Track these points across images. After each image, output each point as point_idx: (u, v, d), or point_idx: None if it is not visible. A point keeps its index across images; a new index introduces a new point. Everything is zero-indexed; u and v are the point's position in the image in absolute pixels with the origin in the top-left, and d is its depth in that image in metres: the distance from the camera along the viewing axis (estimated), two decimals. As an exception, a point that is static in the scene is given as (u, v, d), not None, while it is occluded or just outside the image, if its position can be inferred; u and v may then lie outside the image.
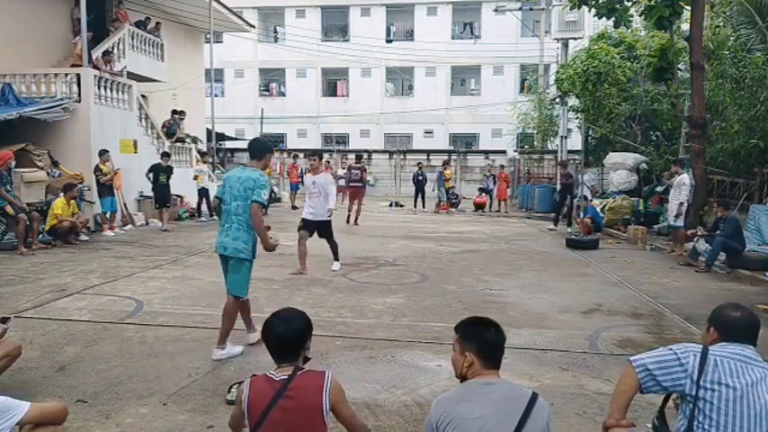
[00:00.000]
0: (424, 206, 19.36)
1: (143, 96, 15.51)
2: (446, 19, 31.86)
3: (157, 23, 16.66)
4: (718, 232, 9.04)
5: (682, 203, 10.27)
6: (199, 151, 17.89)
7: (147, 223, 13.11)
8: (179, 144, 16.55)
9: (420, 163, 21.09)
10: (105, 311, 5.89)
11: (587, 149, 19.64)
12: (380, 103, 32.21)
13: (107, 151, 11.78)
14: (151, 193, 12.97)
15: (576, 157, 20.36)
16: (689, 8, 11.76)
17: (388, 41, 32.09)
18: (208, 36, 20.22)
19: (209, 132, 20.83)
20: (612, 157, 16.27)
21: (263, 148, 4.94)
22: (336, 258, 8.39)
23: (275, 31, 33.38)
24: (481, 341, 2.25)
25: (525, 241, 12.16)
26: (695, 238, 9.60)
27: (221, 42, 28.49)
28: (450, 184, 20.27)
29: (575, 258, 9.99)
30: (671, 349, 2.35)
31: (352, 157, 26.72)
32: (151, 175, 12.52)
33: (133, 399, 3.78)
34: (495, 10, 24.87)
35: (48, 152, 11.64)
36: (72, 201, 10.36)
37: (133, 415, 3.55)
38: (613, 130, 17.23)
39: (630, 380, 2.36)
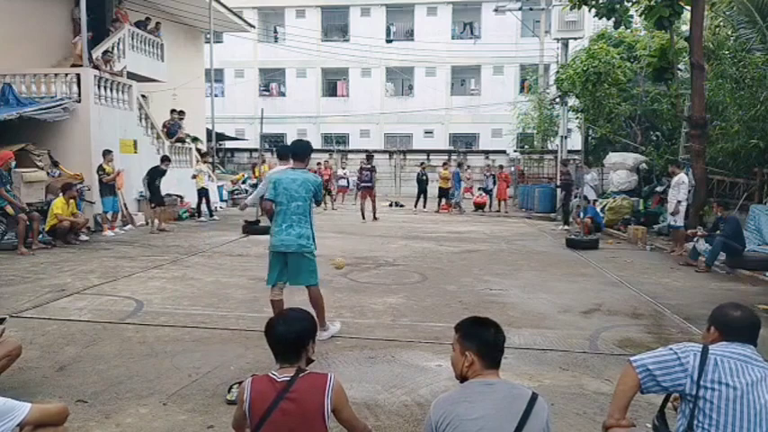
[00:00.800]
0: (425, 206, 19.36)
1: (143, 96, 15.51)
2: (446, 19, 31.87)
3: (157, 23, 16.67)
4: (718, 232, 9.04)
5: (680, 202, 10.28)
6: (198, 151, 17.91)
7: (148, 223, 13.11)
8: (179, 144, 16.56)
9: (423, 163, 21.10)
10: (105, 311, 5.89)
11: (587, 149, 19.64)
12: (380, 103, 32.21)
13: (111, 151, 11.83)
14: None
15: (576, 157, 20.38)
16: (689, 8, 11.77)
17: (388, 41, 32.09)
18: (208, 36, 20.23)
19: (209, 132, 20.83)
20: (612, 157, 16.27)
21: (308, 149, 5.19)
22: None
23: (275, 31, 33.38)
24: (481, 341, 2.24)
25: (525, 241, 12.16)
26: (695, 238, 9.60)
27: (221, 42, 28.49)
28: (450, 185, 20.26)
29: (575, 258, 9.99)
30: (671, 349, 2.35)
31: (352, 157, 26.81)
32: (148, 177, 12.46)
33: (133, 399, 3.78)
34: (495, 10, 24.84)
35: (48, 152, 11.64)
36: (71, 200, 10.36)
37: (133, 415, 3.55)
38: (613, 130, 17.23)
39: (630, 380, 2.36)
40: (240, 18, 21.73)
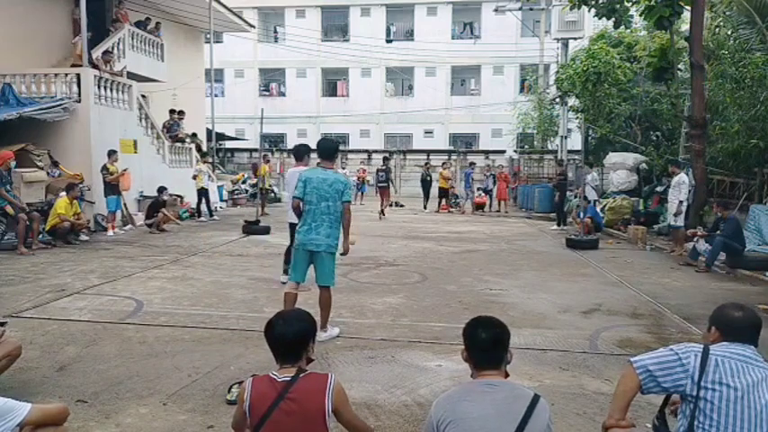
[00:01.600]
0: (425, 207, 19.38)
1: (143, 96, 15.51)
2: (446, 19, 31.87)
3: (157, 23, 16.66)
4: (718, 232, 9.04)
5: (681, 202, 10.28)
6: (199, 150, 17.89)
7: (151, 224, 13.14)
8: (179, 144, 16.56)
9: (427, 163, 21.15)
10: (105, 311, 5.89)
11: (587, 149, 19.64)
12: (380, 103, 32.21)
13: (116, 152, 11.90)
14: (151, 194, 13.03)
15: (577, 156, 20.38)
16: (689, 8, 11.77)
17: (388, 41, 32.09)
18: (208, 36, 20.23)
19: (209, 132, 20.83)
20: (612, 157, 16.28)
21: (334, 148, 5.28)
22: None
23: (275, 31, 33.37)
24: (472, 342, 2.27)
25: (525, 241, 12.16)
26: (695, 238, 9.61)
27: (221, 42, 28.48)
28: (450, 185, 20.29)
29: (575, 258, 9.99)
30: (672, 350, 2.35)
31: (352, 157, 26.90)
32: (151, 204, 12.65)
33: (133, 399, 3.78)
34: (495, 10, 24.87)
35: (48, 152, 11.65)
36: (74, 201, 10.36)
37: (133, 415, 3.55)
38: (613, 130, 17.24)
39: (631, 381, 2.36)
40: (240, 18, 21.72)
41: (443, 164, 20.03)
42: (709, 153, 12.34)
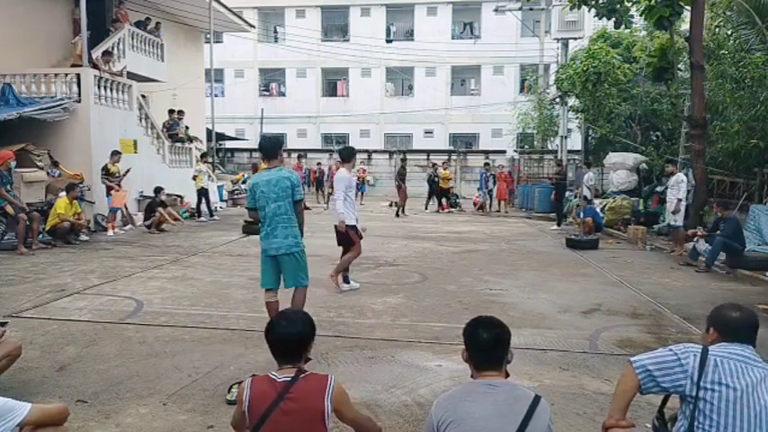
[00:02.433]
0: (426, 207, 19.43)
1: (143, 96, 15.51)
2: (446, 19, 31.87)
3: (157, 23, 16.66)
4: (718, 232, 9.04)
5: (680, 200, 10.30)
6: (190, 140, 17.84)
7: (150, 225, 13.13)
8: (179, 144, 16.55)
9: (435, 164, 21.21)
10: (105, 311, 5.89)
11: (587, 149, 19.66)
12: (380, 103, 32.21)
13: (119, 153, 11.94)
14: (151, 194, 13.03)
15: (577, 156, 20.38)
16: (689, 8, 11.77)
17: (388, 41, 32.09)
18: (208, 36, 20.22)
19: (209, 132, 20.83)
20: (612, 157, 16.28)
21: (276, 145, 4.99)
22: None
23: (275, 31, 33.37)
24: (472, 343, 2.26)
25: (525, 241, 12.16)
26: (695, 238, 9.61)
27: (221, 42, 28.48)
28: (450, 185, 20.31)
29: (575, 258, 9.99)
30: (671, 350, 2.35)
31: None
32: (148, 204, 12.68)
33: (133, 399, 3.78)
34: (495, 10, 24.86)
35: (48, 152, 11.64)
36: (74, 201, 10.36)
37: (133, 415, 3.55)
38: (613, 130, 17.24)
39: (630, 381, 2.36)
40: (240, 18, 21.72)
41: (443, 164, 20.06)
42: (710, 153, 12.33)
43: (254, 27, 24.84)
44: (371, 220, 15.74)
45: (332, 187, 19.72)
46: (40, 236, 9.86)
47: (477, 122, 31.42)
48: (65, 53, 13.98)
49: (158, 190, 12.82)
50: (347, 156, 7.23)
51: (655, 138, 17.92)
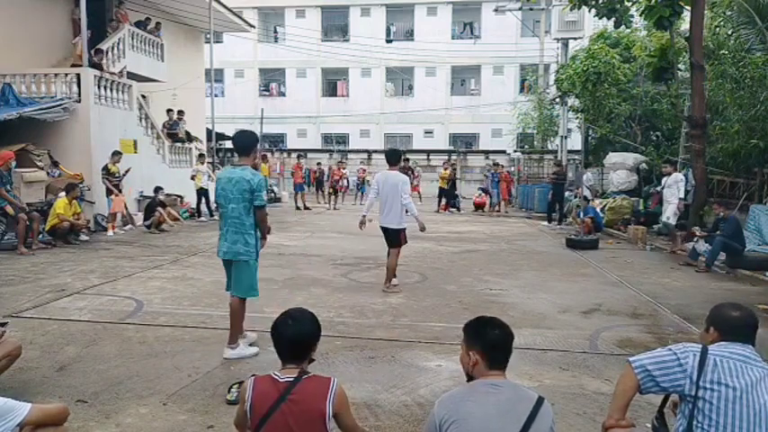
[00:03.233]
0: (437, 210, 19.51)
1: (143, 96, 15.51)
2: (446, 19, 31.88)
3: (157, 23, 16.66)
4: (718, 232, 9.04)
5: (682, 199, 10.34)
6: (189, 138, 17.83)
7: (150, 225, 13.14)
8: (179, 144, 16.55)
9: (454, 164, 21.28)
10: (105, 311, 5.89)
11: (587, 149, 19.65)
12: (380, 103, 32.22)
13: (120, 153, 11.97)
14: (151, 194, 13.04)
15: (577, 156, 20.38)
16: (689, 8, 11.76)
17: (388, 41, 32.10)
18: (208, 36, 20.21)
19: (209, 132, 20.82)
20: (612, 157, 16.28)
21: (251, 141, 4.72)
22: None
23: (275, 31, 33.38)
24: (484, 341, 2.24)
25: (525, 241, 12.16)
26: (695, 238, 9.61)
27: (221, 42, 28.48)
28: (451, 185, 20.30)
29: (575, 258, 9.99)
30: (670, 350, 2.35)
31: (352, 157, 27.00)
32: (148, 204, 12.73)
33: (133, 399, 3.78)
34: (495, 10, 24.86)
35: (48, 152, 11.65)
36: (74, 201, 10.37)
37: (133, 415, 3.55)
38: (613, 130, 17.24)
39: (630, 381, 2.36)
40: (240, 18, 21.71)
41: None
42: (710, 153, 12.33)
43: (254, 27, 24.83)
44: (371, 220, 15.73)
45: (332, 188, 19.92)
46: (40, 236, 9.86)
47: (477, 122, 31.43)
48: (65, 53, 13.98)
49: (158, 190, 12.83)
50: (395, 159, 7.27)
51: (655, 138, 17.92)
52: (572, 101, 18.50)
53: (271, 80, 33.90)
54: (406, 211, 7.03)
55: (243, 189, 4.43)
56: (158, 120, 15.97)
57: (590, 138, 19.68)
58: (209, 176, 15.98)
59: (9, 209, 9.26)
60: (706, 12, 12.37)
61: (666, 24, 12.09)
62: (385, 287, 7.08)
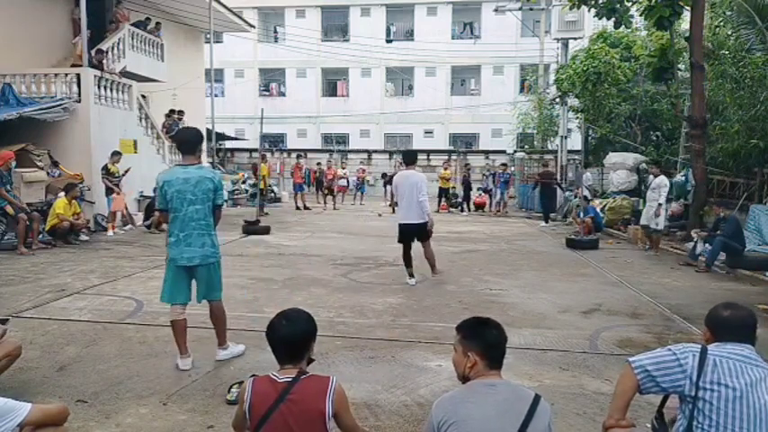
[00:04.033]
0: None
1: (143, 96, 15.51)
2: (446, 19, 31.86)
3: (157, 23, 16.66)
4: (718, 232, 9.04)
5: (660, 205, 10.30)
6: None
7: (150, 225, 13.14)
8: (176, 144, 16.55)
9: (468, 164, 21.29)
10: (105, 311, 5.89)
11: (587, 149, 19.66)
12: (380, 103, 32.20)
13: (119, 153, 11.96)
14: (150, 194, 13.03)
15: (577, 156, 20.39)
16: (689, 8, 11.77)
17: (388, 41, 32.08)
18: (208, 36, 20.22)
19: (209, 132, 20.82)
20: (612, 157, 16.28)
21: (197, 138, 4.45)
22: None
23: (275, 31, 33.37)
24: (484, 342, 2.23)
25: (525, 241, 12.16)
26: (695, 238, 9.61)
27: (221, 42, 28.48)
28: (451, 185, 20.32)
29: (575, 258, 9.99)
30: (670, 350, 2.35)
31: (352, 157, 27.01)
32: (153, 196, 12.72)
33: (133, 399, 3.78)
34: (495, 10, 24.84)
35: (48, 152, 11.65)
36: (74, 201, 10.37)
37: (133, 415, 3.55)
38: (613, 130, 17.24)
39: (629, 381, 2.35)
40: (240, 18, 21.72)
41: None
42: (709, 153, 12.33)
43: (254, 27, 24.84)
44: (371, 220, 15.75)
45: (328, 188, 19.91)
46: (40, 236, 9.86)
47: (477, 122, 31.41)
48: (65, 53, 13.97)
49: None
50: (412, 159, 7.66)
51: (655, 138, 17.93)
52: (572, 101, 18.50)
53: (271, 80, 33.89)
54: None
55: (207, 189, 4.27)
56: (158, 120, 15.97)
57: (590, 138, 19.69)
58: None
59: (9, 209, 9.26)
60: (706, 12, 12.37)
61: (666, 24, 12.10)
62: (433, 275, 7.68)
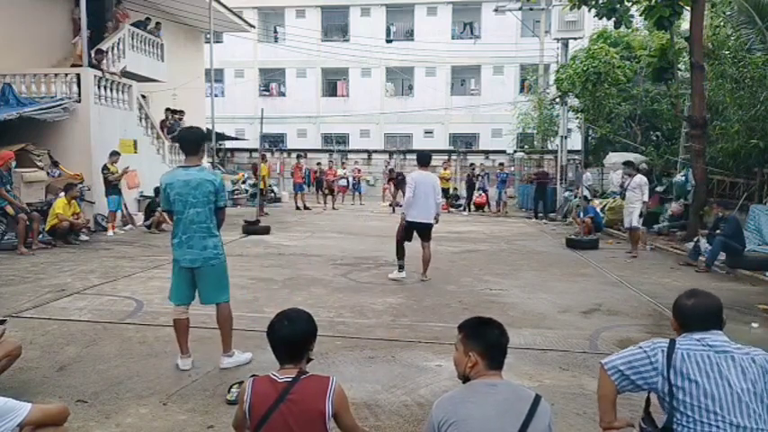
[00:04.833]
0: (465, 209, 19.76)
1: (143, 96, 15.51)
2: (446, 19, 31.85)
3: (157, 23, 16.66)
4: (718, 232, 9.04)
5: (645, 203, 10.31)
6: None
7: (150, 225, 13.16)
8: (178, 144, 16.56)
9: (473, 164, 21.35)
10: (105, 311, 5.89)
11: (587, 149, 19.65)
12: (380, 103, 32.20)
13: (118, 153, 11.95)
14: (151, 194, 13.05)
15: (577, 156, 20.39)
16: (689, 8, 11.76)
17: (388, 41, 32.07)
18: (208, 36, 20.22)
19: (209, 132, 20.83)
20: (612, 157, 16.27)
21: (199, 138, 4.45)
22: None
23: (275, 31, 33.36)
24: (486, 342, 2.23)
25: (525, 241, 12.16)
26: (696, 238, 9.61)
27: (221, 42, 28.47)
28: (451, 185, 20.31)
29: (575, 258, 9.99)
30: (641, 347, 2.35)
31: (352, 157, 26.98)
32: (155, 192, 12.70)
33: (133, 399, 3.78)
34: (495, 10, 24.84)
35: (48, 152, 11.65)
36: (73, 201, 10.37)
37: (133, 415, 3.55)
38: (613, 130, 17.24)
39: (606, 383, 2.36)
40: (240, 18, 21.72)
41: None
42: (709, 153, 12.33)
43: (254, 27, 24.84)
44: (371, 220, 15.75)
45: (329, 189, 19.92)
46: (40, 236, 9.86)
47: (477, 122, 31.40)
48: (65, 53, 13.98)
49: (157, 189, 12.82)
50: (426, 160, 7.95)
51: (655, 138, 17.92)
52: (572, 101, 18.50)
53: (271, 80, 33.89)
54: None
55: (208, 191, 4.23)
56: (158, 120, 15.97)
57: (590, 138, 19.69)
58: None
59: (9, 209, 9.27)
60: (706, 12, 12.37)
61: (666, 24, 12.10)
62: (423, 277, 7.76)
